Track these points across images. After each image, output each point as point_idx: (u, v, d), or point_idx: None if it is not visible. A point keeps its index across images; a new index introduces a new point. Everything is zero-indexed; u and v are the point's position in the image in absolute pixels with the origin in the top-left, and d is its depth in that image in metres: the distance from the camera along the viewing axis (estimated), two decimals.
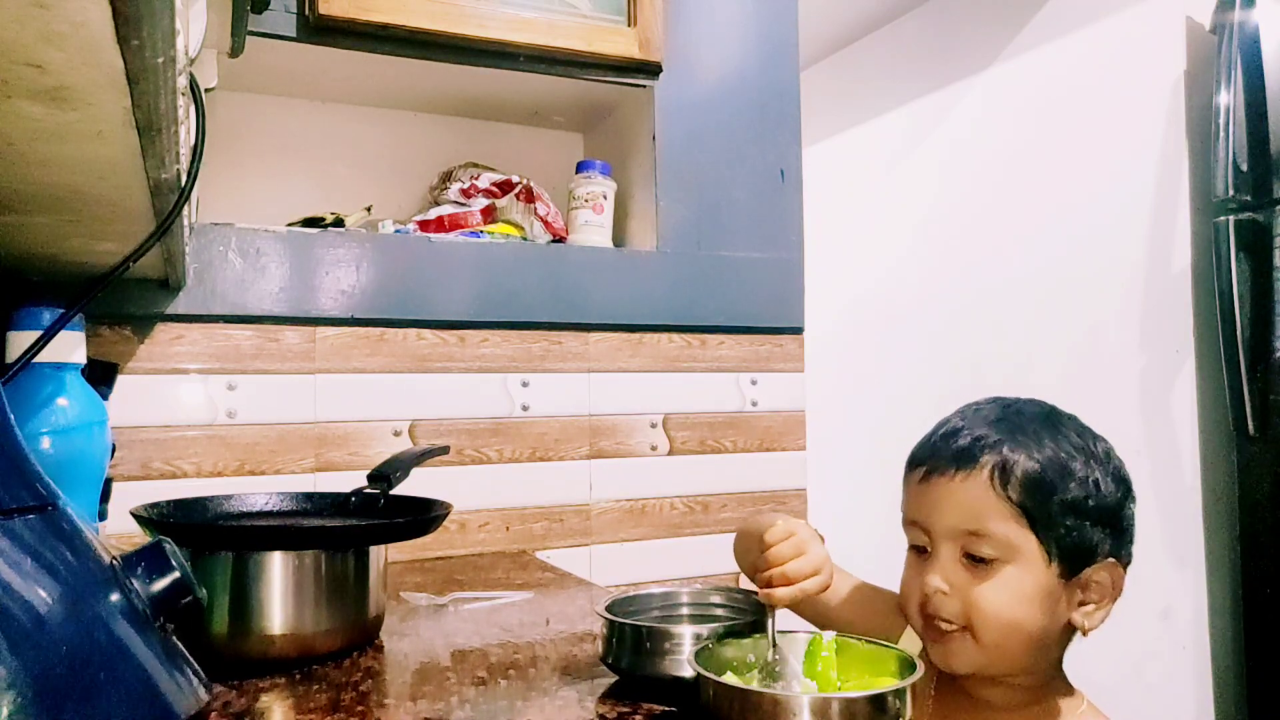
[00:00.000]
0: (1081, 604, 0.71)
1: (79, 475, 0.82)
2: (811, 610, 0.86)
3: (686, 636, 0.69)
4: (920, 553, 0.73)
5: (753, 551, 0.73)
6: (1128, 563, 0.73)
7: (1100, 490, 0.70)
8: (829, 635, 0.68)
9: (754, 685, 0.65)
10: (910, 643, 0.78)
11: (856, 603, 0.85)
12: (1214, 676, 1.84)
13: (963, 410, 0.76)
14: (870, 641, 0.67)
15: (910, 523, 0.74)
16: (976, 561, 0.69)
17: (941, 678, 0.76)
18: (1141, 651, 1.91)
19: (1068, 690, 0.75)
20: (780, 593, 0.67)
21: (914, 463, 0.74)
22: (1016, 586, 0.68)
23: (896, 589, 0.81)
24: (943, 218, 2.56)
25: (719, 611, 0.81)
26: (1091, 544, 0.69)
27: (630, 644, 0.71)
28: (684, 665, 0.68)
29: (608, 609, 0.75)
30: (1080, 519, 0.69)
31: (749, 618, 0.75)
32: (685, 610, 0.82)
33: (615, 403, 1.51)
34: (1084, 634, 0.72)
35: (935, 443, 0.73)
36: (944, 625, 0.70)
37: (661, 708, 0.67)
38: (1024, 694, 0.73)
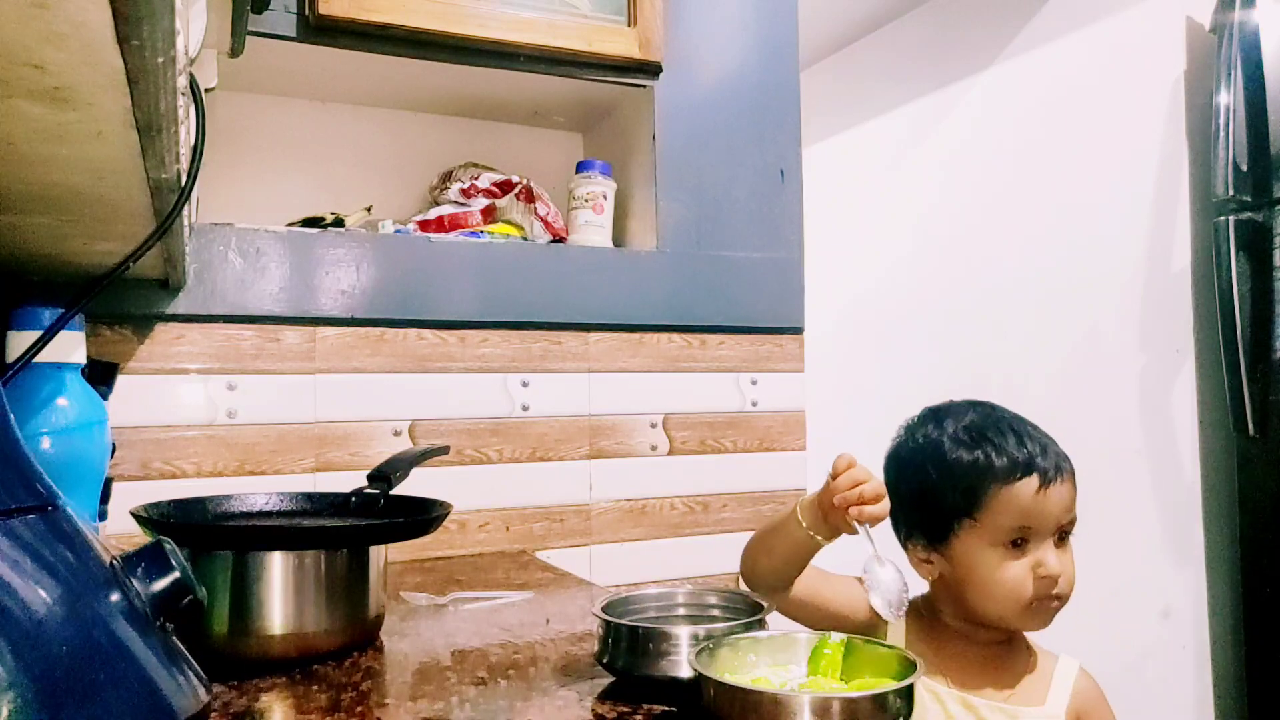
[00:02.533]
0: None
1: (79, 475, 0.82)
2: (813, 614, 0.90)
3: (683, 637, 0.69)
4: (1014, 546, 0.84)
5: (818, 507, 0.80)
6: None
7: None
8: (835, 636, 0.68)
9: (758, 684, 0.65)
10: (898, 622, 0.88)
11: (845, 597, 0.91)
12: (1214, 676, 1.84)
13: (1004, 418, 0.89)
14: (872, 642, 0.67)
15: (1017, 526, 0.84)
16: (1061, 541, 0.85)
17: (934, 627, 0.90)
18: (1141, 651, 1.91)
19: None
20: (872, 510, 0.76)
21: (1021, 472, 0.84)
22: (1073, 551, 0.87)
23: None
24: (942, 218, 2.56)
25: (715, 612, 0.81)
26: None
27: (626, 644, 0.71)
28: (681, 665, 0.68)
29: (604, 609, 0.75)
30: None
31: (746, 618, 0.75)
32: (681, 610, 0.82)
33: (615, 403, 1.51)
34: None
35: (1031, 452, 0.86)
36: (1054, 603, 0.84)
37: (661, 708, 0.67)
38: (1002, 632, 0.89)
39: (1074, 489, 0.86)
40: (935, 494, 0.87)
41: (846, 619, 0.89)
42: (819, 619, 0.90)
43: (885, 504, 0.78)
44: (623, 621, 0.72)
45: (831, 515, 0.79)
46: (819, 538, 0.82)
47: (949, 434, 0.88)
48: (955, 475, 0.86)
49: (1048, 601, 0.84)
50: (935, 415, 0.92)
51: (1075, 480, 0.87)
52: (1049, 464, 0.85)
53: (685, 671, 0.68)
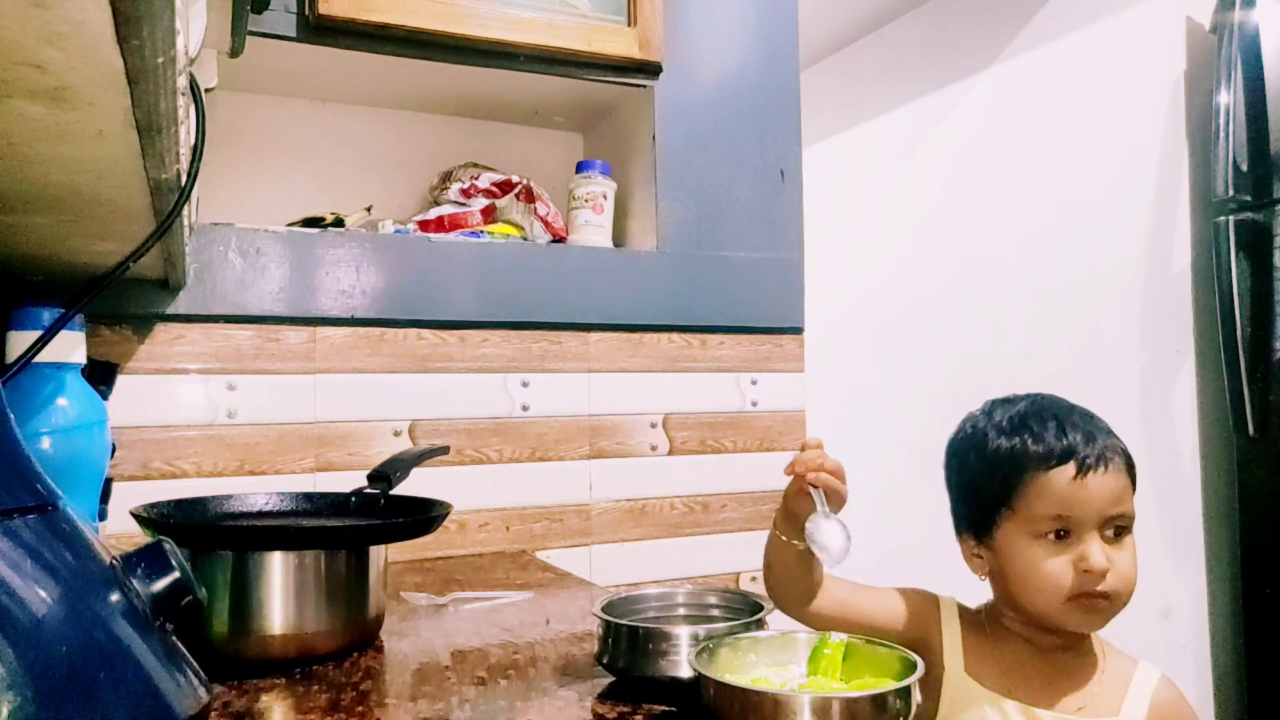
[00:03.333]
0: None
1: (79, 475, 0.82)
2: (833, 618, 0.86)
3: (683, 637, 0.69)
4: (1057, 538, 0.81)
5: (773, 539, 0.81)
6: None
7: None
8: (835, 636, 0.68)
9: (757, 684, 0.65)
10: (952, 632, 0.85)
11: (888, 608, 0.88)
12: (1214, 676, 1.84)
13: (1047, 407, 0.86)
14: (873, 642, 0.67)
15: (1057, 515, 0.81)
16: (1113, 538, 0.80)
17: (994, 634, 0.85)
18: (1141, 651, 1.90)
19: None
20: (827, 476, 0.76)
21: (1059, 459, 0.81)
22: (1134, 550, 0.81)
23: (897, 585, 0.88)
24: (942, 218, 2.56)
25: (715, 612, 0.82)
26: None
27: (627, 644, 0.71)
28: (681, 665, 0.68)
29: (604, 609, 0.75)
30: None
31: (746, 618, 0.75)
32: (681, 610, 0.82)
33: (615, 403, 1.51)
34: None
35: (1071, 440, 0.82)
36: (1100, 601, 0.80)
37: (661, 708, 0.67)
38: (1071, 636, 0.83)
39: (1126, 481, 0.81)
40: (977, 483, 0.86)
41: (886, 629, 0.85)
42: (853, 629, 0.84)
43: (842, 483, 0.78)
44: (623, 621, 0.72)
45: (792, 502, 0.78)
46: (794, 541, 0.80)
47: (994, 423, 0.87)
48: (994, 464, 0.84)
49: (1094, 599, 0.80)
50: (991, 406, 0.91)
51: (1132, 474, 0.82)
52: (1090, 452, 0.81)
53: (685, 671, 0.68)
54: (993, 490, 0.84)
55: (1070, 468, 0.81)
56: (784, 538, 0.79)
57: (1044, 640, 0.83)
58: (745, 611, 0.78)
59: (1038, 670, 0.83)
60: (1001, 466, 0.83)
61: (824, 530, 0.72)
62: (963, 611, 0.87)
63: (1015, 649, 0.84)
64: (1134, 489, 0.82)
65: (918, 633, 0.85)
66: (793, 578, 0.82)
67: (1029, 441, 0.83)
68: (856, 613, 0.85)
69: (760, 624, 0.74)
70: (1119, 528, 0.81)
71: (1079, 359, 2.12)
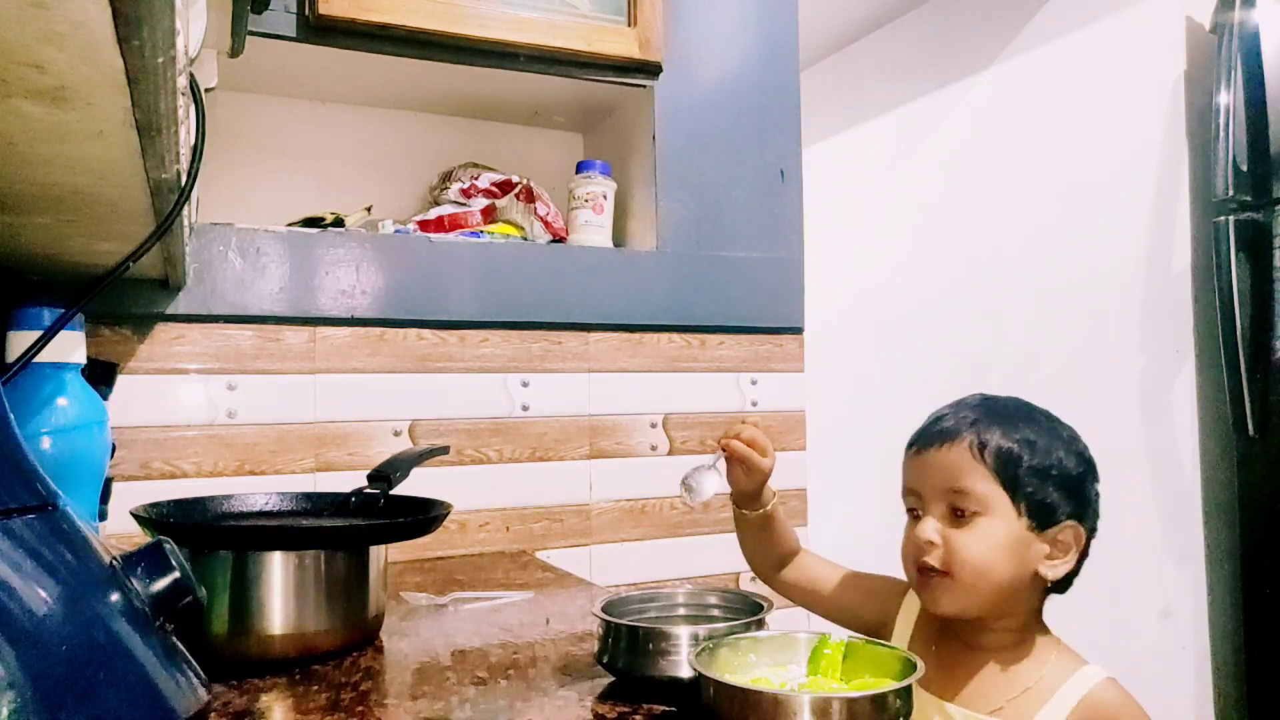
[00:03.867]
0: (1049, 556, 0.81)
1: (79, 475, 0.82)
2: (802, 592, 0.95)
3: (683, 637, 0.69)
4: (915, 517, 0.84)
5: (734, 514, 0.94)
6: (1091, 528, 0.83)
7: (1062, 463, 0.81)
8: (835, 636, 0.68)
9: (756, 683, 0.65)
10: (908, 616, 0.89)
11: (849, 586, 0.94)
12: (1214, 676, 1.84)
13: (951, 404, 0.88)
14: (873, 642, 0.67)
15: (907, 491, 0.85)
16: (959, 516, 0.80)
17: (942, 630, 0.86)
18: (1141, 651, 1.91)
19: (1045, 634, 0.85)
20: (738, 445, 0.88)
21: (910, 444, 0.87)
22: (990, 536, 0.79)
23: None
24: (942, 218, 2.56)
25: (715, 612, 0.82)
26: (1055, 505, 0.81)
27: (626, 644, 0.71)
28: (681, 665, 0.68)
29: (604, 609, 0.75)
30: (1045, 482, 0.80)
31: (746, 617, 0.75)
32: (682, 611, 0.82)
33: (615, 403, 1.51)
34: (1049, 584, 0.83)
35: (926, 426, 0.86)
36: (931, 573, 0.81)
37: (661, 708, 0.67)
38: (1008, 637, 0.83)
39: (970, 462, 0.80)
40: None
41: (847, 609, 0.92)
42: (817, 603, 0.94)
43: (754, 454, 0.88)
44: (623, 621, 0.72)
45: (729, 472, 0.90)
46: (744, 510, 0.93)
47: None
48: None
49: (925, 573, 0.81)
50: None
51: (979, 456, 0.80)
52: (934, 430, 0.83)
53: (685, 671, 0.68)
54: None
55: (914, 447, 0.85)
56: (736, 507, 0.93)
57: (989, 640, 0.83)
58: (745, 611, 0.78)
59: (971, 667, 0.84)
60: None
61: (698, 475, 0.86)
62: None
63: (953, 643, 0.85)
64: (1000, 480, 0.80)
65: (876, 618, 0.90)
66: (757, 543, 0.95)
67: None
68: (823, 587, 0.94)
69: (760, 624, 0.74)
70: (960, 509, 0.80)
71: (1079, 359, 2.12)
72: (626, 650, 0.71)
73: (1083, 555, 0.83)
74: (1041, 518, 0.80)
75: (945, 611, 0.82)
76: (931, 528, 0.81)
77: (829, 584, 0.94)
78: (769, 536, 0.94)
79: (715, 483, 0.86)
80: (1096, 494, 0.84)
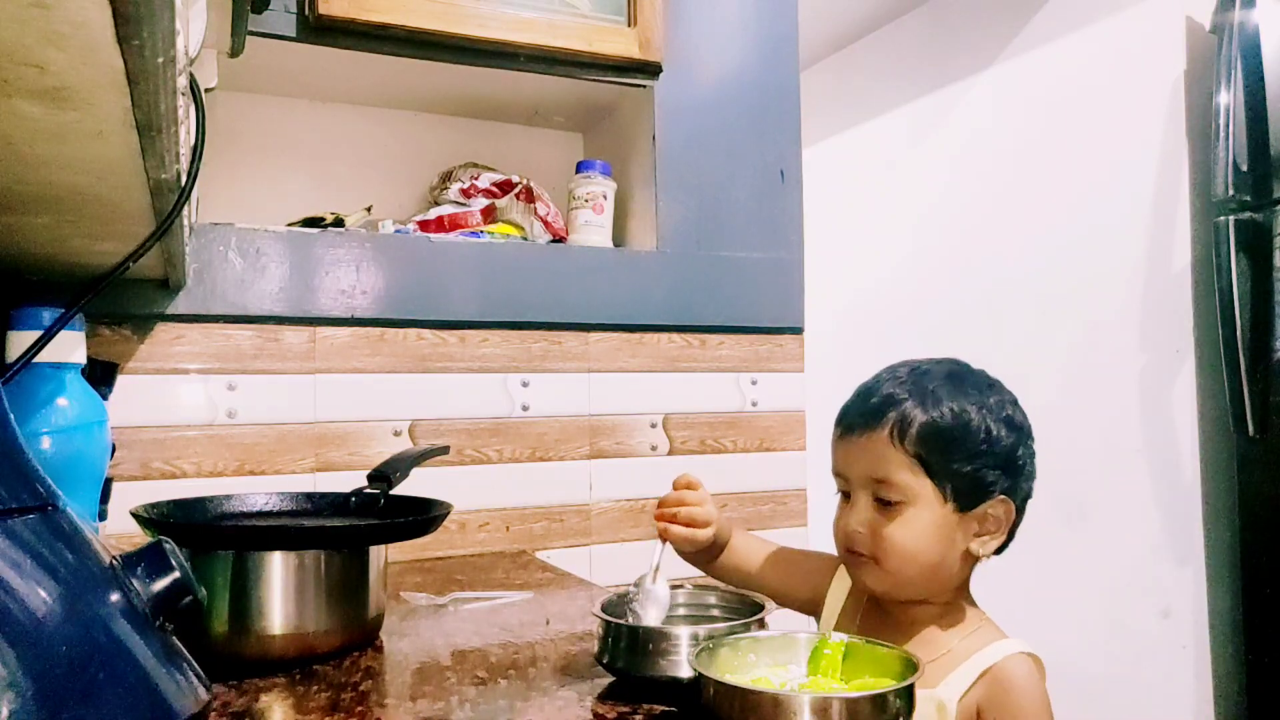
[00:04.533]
0: (978, 534, 0.82)
1: (79, 475, 0.82)
2: (738, 576, 0.96)
3: (683, 637, 0.69)
4: (845, 498, 0.84)
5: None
6: (1024, 498, 0.83)
7: (992, 436, 0.80)
8: (835, 636, 0.68)
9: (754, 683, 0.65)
10: (839, 591, 0.90)
11: (782, 565, 0.95)
12: (1214, 676, 1.84)
13: (879, 373, 0.86)
14: (873, 643, 0.67)
15: (835, 473, 0.85)
16: (885, 504, 0.80)
17: (870, 604, 0.87)
18: (1141, 651, 1.91)
19: (973, 607, 0.86)
20: (677, 530, 0.88)
21: (836, 423, 0.86)
22: (914, 524, 0.79)
23: None
24: (942, 218, 2.56)
25: (715, 612, 0.82)
26: (985, 483, 0.80)
27: (626, 644, 0.71)
28: (681, 666, 0.68)
29: (603, 609, 0.75)
30: (971, 463, 0.79)
31: (745, 617, 0.75)
32: (682, 611, 0.82)
33: (615, 403, 1.51)
34: (979, 559, 0.83)
35: (851, 403, 0.85)
36: (860, 559, 0.82)
37: (661, 708, 0.67)
38: (935, 610, 0.84)
39: (892, 451, 0.79)
40: None
41: (781, 587, 0.94)
42: (751, 582, 0.95)
43: (694, 532, 0.89)
44: (623, 621, 0.72)
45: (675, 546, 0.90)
46: (699, 564, 0.95)
47: None
48: None
49: (854, 556, 0.82)
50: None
51: (900, 445, 0.79)
52: (859, 416, 0.82)
53: (685, 671, 0.68)
54: None
55: (839, 429, 0.85)
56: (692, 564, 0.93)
57: (909, 613, 0.84)
58: (745, 611, 0.78)
59: (895, 640, 0.81)
60: None
61: (644, 596, 0.80)
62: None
63: (881, 619, 0.86)
64: (922, 465, 0.79)
65: (808, 594, 0.92)
66: (693, 554, 0.96)
67: (844, 403, 0.87)
68: (756, 567, 0.95)
69: (761, 624, 0.74)
70: (886, 501, 0.80)
71: (1079, 359, 2.12)
72: (626, 650, 0.71)
73: (1015, 525, 0.83)
74: (969, 499, 0.80)
75: (873, 590, 0.84)
76: (857, 517, 0.81)
77: (762, 563, 0.95)
78: (705, 548, 0.94)
79: (658, 602, 0.81)
80: (1030, 457, 0.83)
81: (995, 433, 0.80)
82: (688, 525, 0.90)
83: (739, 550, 0.95)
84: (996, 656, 0.78)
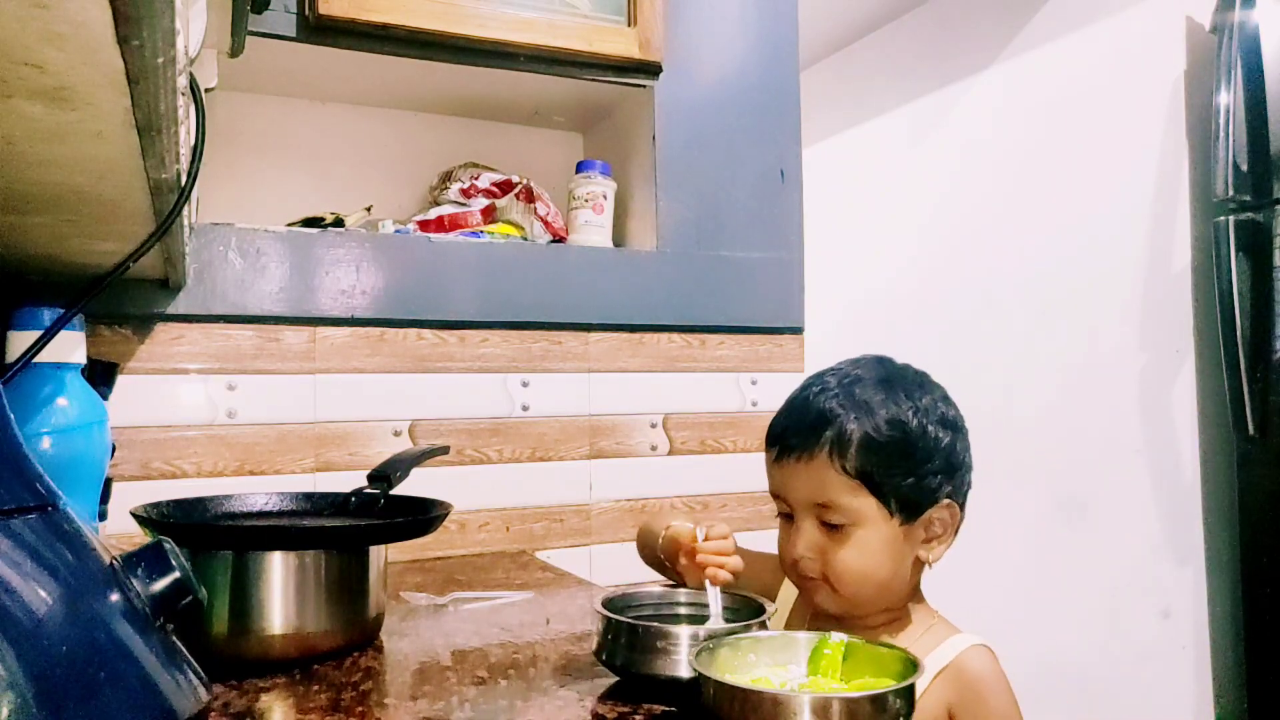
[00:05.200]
0: (925, 541, 0.81)
1: (79, 475, 0.82)
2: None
3: (683, 636, 0.69)
4: (787, 520, 0.83)
5: (675, 546, 0.91)
6: (965, 494, 0.83)
7: (931, 441, 0.79)
8: (835, 636, 0.68)
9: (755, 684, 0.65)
10: (789, 593, 0.90)
11: (746, 567, 0.92)
12: (1214, 676, 1.84)
13: (806, 383, 0.85)
14: (873, 642, 0.67)
15: (774, 495, 0.84)
16: (830, 528, 0.79)
17: (818, 606, 0.86)
18: (1141, 651, 1.91)
19: (921, 604, 0.85)
20: (723, 574, 0.83)
21: (769, 443, 0.84)
22: (864, 545, 0.78)
23: None
24: (942, 217, 2.56)
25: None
26: (928, 490, 0.79)
27: (626, 641, 0.71)
28: (680, 665, 0.68)
29: (605, 605, 0.74)
30: (913, 472, 0.78)
31: (746, 619, 0.75)
32: (682, 610, 0.82)
33: (615, 403, 1.51)
34: (929, 565, 0.83)
35: (783, 422, 0.83)
36: (809, 582, 0.81)
37: (661, 708, 0.67)
38: (886, 616, 0.83)
39: (834, 476, 0.77)
40: None
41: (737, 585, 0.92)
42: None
43: (735, 561, 0.86)
44: (624, 618, 0.72)
45: (682, 569, 0.88)
46: (670, 566, 0.93)
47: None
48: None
49: (804, 580, 0.81)
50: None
51: (841, 469, 0.77)
52: (795, 438, 0.80)
53: (685, 671, 0.68)
54: None
55: (775, 451, 0.83)
56: (664, 560, 0.93)
57: (861, 620, 0.83)
58: (747, 613, 0.78)
59: None
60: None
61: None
62: None
63: (828, 621, 0.84)
64: (865, 484, 0.77)
65: (760, 593, 0.89)
66: (658, 563, 0.97)
67: (776, 419, 0.85)
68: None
69: (763, 625, 0.74)
70: (829, 523, 0.79)
71: (1079, 359, 2.12)
72: (626, 647, 0.71)
73: (958, 526, 0.82)
74: (914, 509, 0.79)
75: (828, 611, 0.82)
76: (804, 542, 0.80)
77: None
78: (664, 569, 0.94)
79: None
80: (966, 450, 0.83)
81: (934, 436, 0.79)
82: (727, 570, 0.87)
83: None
84: (951, 653, 0.78)
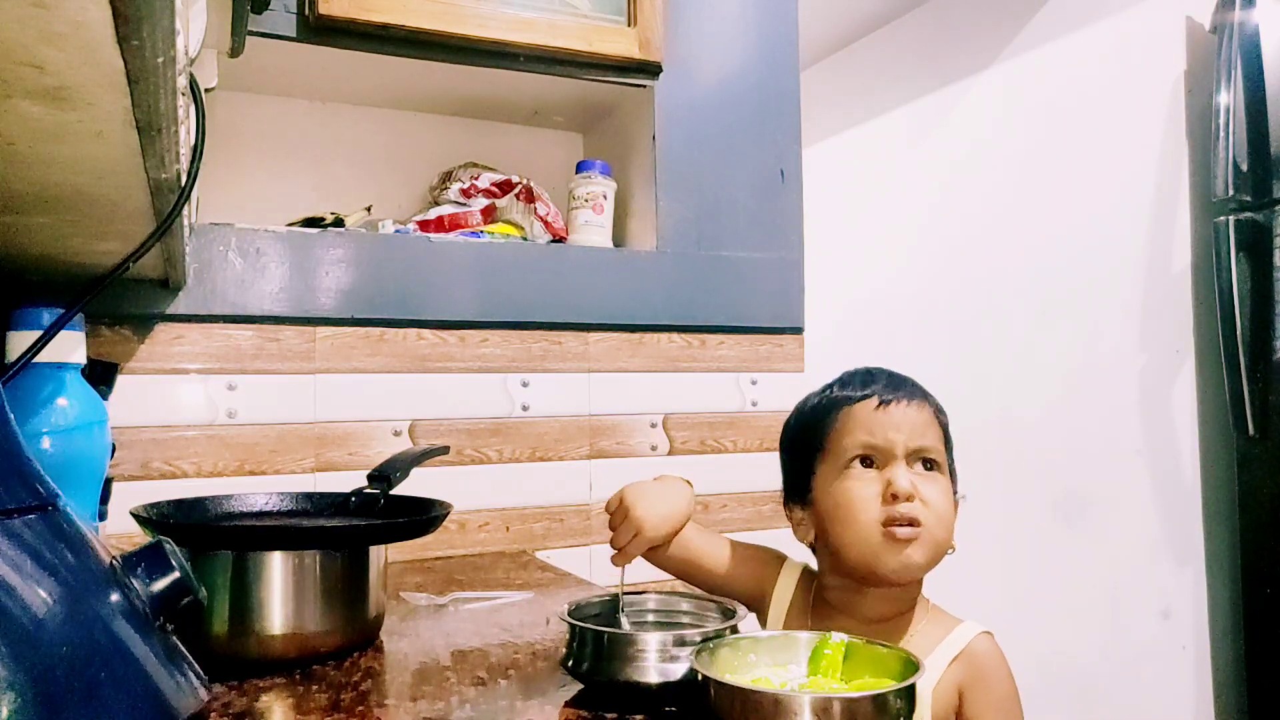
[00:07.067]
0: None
1: (79, 475, 0.82)
2: (684, 568, 0.93)
3: (651, 643, 0.68)
4: (867, 467, 0.83)
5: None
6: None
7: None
8: (836, 636, 0.68)
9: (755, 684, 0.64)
10: (786, 586, 0.89)
11: (728, 557, 0.92)
12: (1214, 676, 1.84)
13: (864, 368, 0.90)
14: (874, 643, 0.67)
15: (862, 444, 0.83)
16: (926, 468, 0.82)
17: (819, 600, 0.87)
18: (1141, 651, 1.91)
19: (922, 596, 0.86)
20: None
21: (860, 395, 0.85)
22: (947, 491, 0.83)
23: None
24: (942, 217, 2.56)
25: (685, 619, 0.80)
26: (955, 477, 0.87)
27: (592, 650, 0.70)
28: (648, 671, 0.67)
29: (570, 614, 0.74)
30: (952, 452, 0.87)
31: (717, 625, 0.74)
32: (651, 617, 0.81)
33: (615, 403, 1.51)
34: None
35: (873, 377, 0.87)
36: (907, 530, 0.79)
37: (662, 709, 0.67)
38: (889, 604, 0.84)
39: (930, 418, 0.84)
40: (795, 443, 0.90)
41: (725, 581, 0.91)
42: (693, 575, 0.93)
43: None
44: (589, 626, 0.72)
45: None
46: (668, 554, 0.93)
47: (812, 392, 0.93)
48: (808, 417, 0.88)
49: (903, 527, 0.79)
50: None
51: (936, 415, 0.85)
52: (891, 388, 0.85)
53: (653, 677, 0.67)
54: (807, 440, 0.87)
55: (873, 401, 0.84)
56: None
57: (863, 608, 0.83)
58: (717, 618, 0.77)
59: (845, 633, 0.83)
60: (814, 415, 0.88)
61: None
62: (804, 576, 0.90)
63: (832, 615, 0.85)
64: (946, 440, 0.85)
65: (754, 589, 0.90)
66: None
67: (837, 388, 0.88)
68: (698, 559, 0.92)
69: (734, 630, 0.72)
70: (927, 460, 0.82)
71: (1079, 359, 2.12)
72: (593, 655, 0.70)
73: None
74: (954, 481, 0.86)
75: (915, 564, 0.80)
76: (909, 480, 0.80)
77: (705, 556, 0.92)
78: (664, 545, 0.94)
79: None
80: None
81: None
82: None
83: (684, 542, 0.92)
84: (962, 641, 0.81)
